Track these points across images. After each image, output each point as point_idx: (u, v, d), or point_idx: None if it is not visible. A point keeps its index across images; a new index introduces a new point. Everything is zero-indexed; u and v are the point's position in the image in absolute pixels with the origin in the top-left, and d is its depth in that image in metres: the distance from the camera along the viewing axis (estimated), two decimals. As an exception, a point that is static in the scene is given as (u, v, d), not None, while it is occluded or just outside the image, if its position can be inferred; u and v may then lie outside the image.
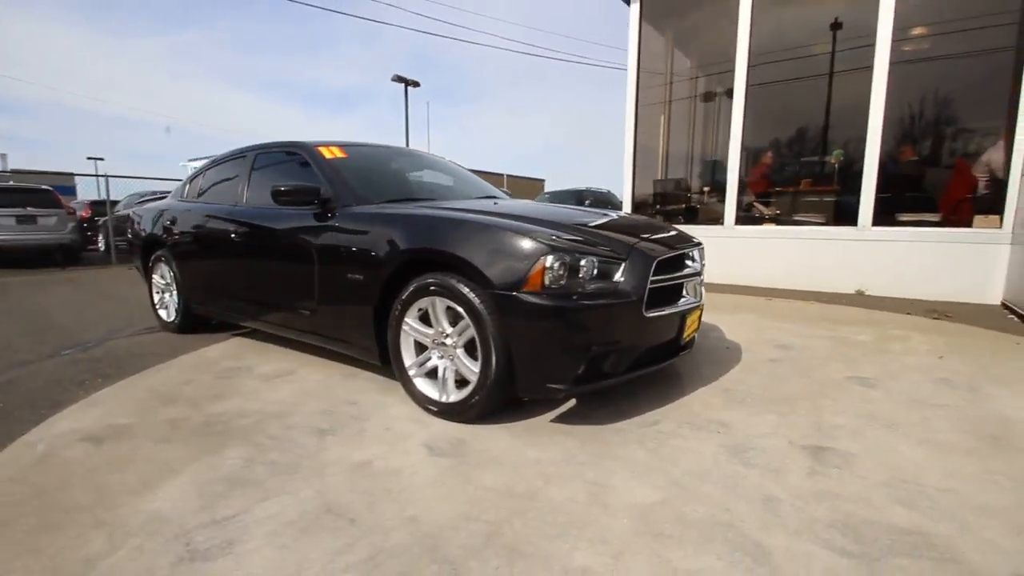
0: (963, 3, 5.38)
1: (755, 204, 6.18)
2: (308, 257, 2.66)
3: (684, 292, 2.39)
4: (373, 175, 3.01)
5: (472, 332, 2.08)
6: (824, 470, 1.77)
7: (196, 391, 2.63)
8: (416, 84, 20.75)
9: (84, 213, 11.02)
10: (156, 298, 3.99)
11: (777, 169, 6.48)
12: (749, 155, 6.06)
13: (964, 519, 1.49)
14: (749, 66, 5.54)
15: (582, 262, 1.96)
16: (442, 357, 2.26)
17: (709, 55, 7.47)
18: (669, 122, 7.34)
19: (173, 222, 3.64)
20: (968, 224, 4.69)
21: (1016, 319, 3.96)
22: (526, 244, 1.97)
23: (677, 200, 7.13)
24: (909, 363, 2.94)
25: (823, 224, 5.52)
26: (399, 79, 20.27)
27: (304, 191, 2.60)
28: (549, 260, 1.92)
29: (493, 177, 31.81)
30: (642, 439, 2.02)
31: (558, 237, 2.03)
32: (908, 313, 4.19)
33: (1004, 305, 4.39)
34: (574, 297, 1.93)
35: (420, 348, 2.33)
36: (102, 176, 10.21)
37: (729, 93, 5.81)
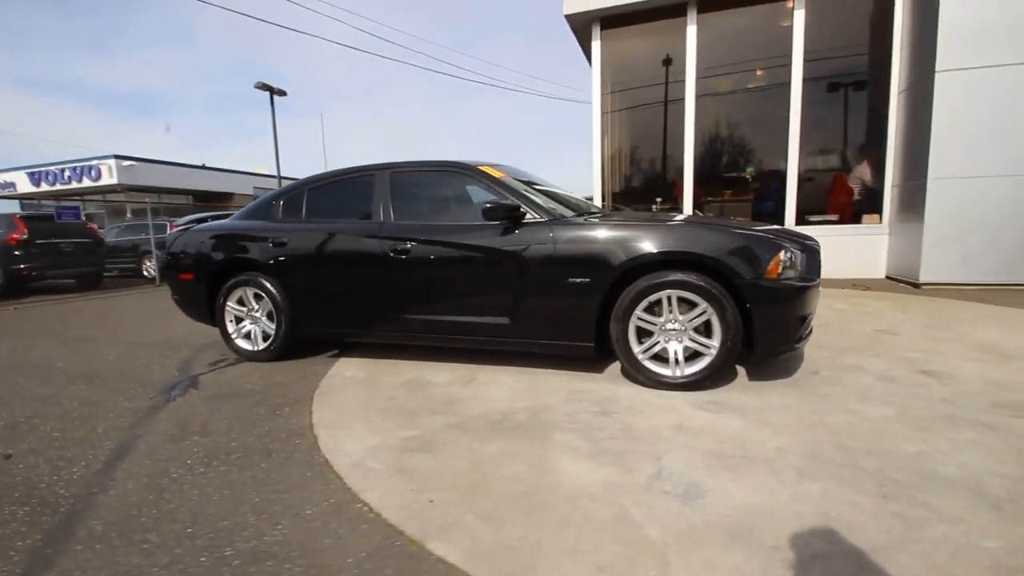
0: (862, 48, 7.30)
1: (696, 212, 7.51)
2: (510, 267, 2.92)
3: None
4: (535, 190, 3.33)
5: (708, 315, 2.64)
6: (940, 380, 2.72)
7: (415, 403, 2.72)
8: (282, 93, 19.35)
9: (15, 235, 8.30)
10: (231, 328, 3.67)
11: (701, 183, 7.91)
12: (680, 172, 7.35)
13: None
14: (696, 98, 6.80)
15: (793, 255, 2.66)
16: (668, 340, 2.77)
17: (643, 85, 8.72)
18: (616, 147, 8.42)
19: (278, 243, 3.45)
20: (859, 222, 6.47)
21: (904, 285, 5.69)
22: (765, 244, 2.61)
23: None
24: (894, 318, 4.20)
25: (753, 225, 7.01)
26: (264, 87, 18.74)
27: (509, 207, 2.88)
28: (782, 255, 2.59)
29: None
30: (827, 381, 2.78)
31: (778, 238, 2.70)
32: (843, 288, 5.71)
33: (888, 277, 6.22)
34: (796, 281, 2.62)
35: (641, 335, 2.80)
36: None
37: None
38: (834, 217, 6.73)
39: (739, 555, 1.45)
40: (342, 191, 3.51)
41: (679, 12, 6.65)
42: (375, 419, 2.54)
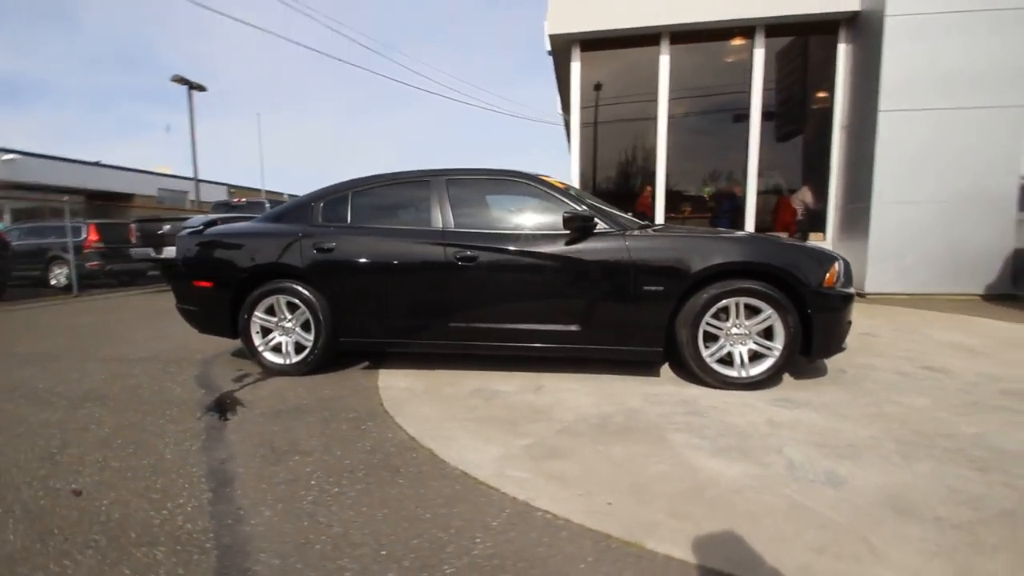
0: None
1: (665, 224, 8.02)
2: (583, 275, 3.00)
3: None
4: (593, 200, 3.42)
5: (771, 321, 2.89)
6: (944, 374, 3.18)
7: (500, 413, 2.69)
8: (201, 88, 17.91)
9: None
10: (258, 340, 3.38)
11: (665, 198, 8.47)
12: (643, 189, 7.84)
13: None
14: (668, 119, 7.29)
15: (841, 265, 2.99)
16: (734, 344, 2.98)
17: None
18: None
19: (323, 248, 3.23)
20: (805, 239, 7.25)
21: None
22: (823, 256, 2.91)
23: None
24: (866, 324, 4.78)
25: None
26: (181, 80, 17.25)
27: (586, 217, 2.97)
28: (837, 265, 2.90)
29: (250, 192, 29.06)
30: (858, 379, 3.14)
31: (825, 251, 3.01)
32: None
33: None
34: (846, 288, 2.95)
35: (707, 339, 2.99)
36: None
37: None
38: (783, 235, 7.50)
39: (916, 528, 1.64)
40: (392, 196, 3.39)
41: (653, 42, 7.13)
42: (474, 429, 2.48)
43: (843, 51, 6.77)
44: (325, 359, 3.36)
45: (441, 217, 3.22)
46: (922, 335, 4.31)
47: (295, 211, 3.46)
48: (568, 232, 3.04)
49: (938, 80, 5.79)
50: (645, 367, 3.38)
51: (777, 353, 2.91)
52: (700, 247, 2.97)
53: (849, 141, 6.74)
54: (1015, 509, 1.73)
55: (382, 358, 3.71)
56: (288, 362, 3.36)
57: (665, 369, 3.37)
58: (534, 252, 3.07)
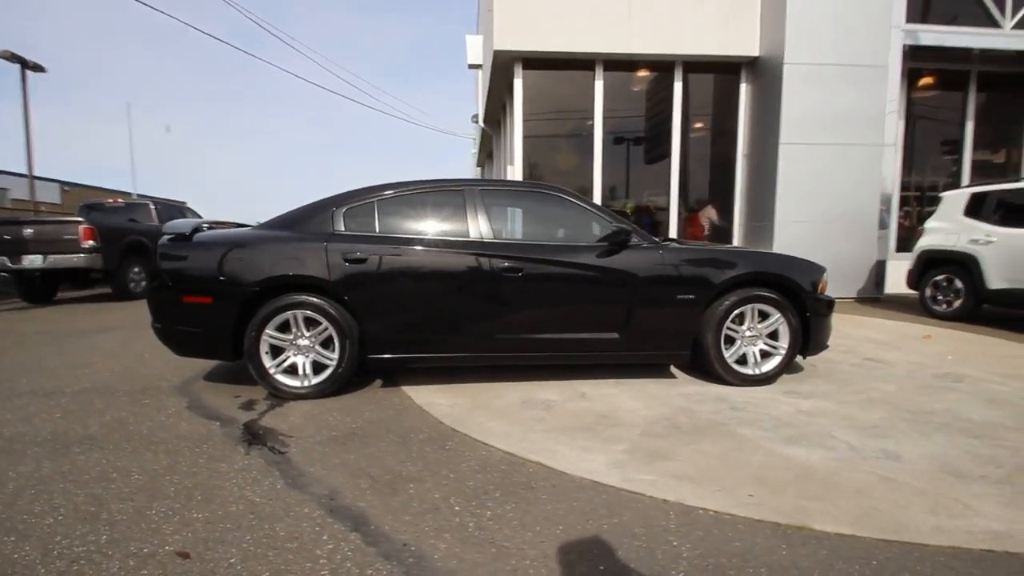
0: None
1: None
2: (624, 285, 3.16)
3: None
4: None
5: (777, 324, 3.32)
6: (886, 364, 3.92)
7: (569, 422, 2.74)
8: (39, 68, 14.92)
9: None
10: (268, 361, 2.98)
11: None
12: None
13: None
14: (603, 136, 7.81)
15: (825, 274, 3.52)
16: (747, 345, 3.36)
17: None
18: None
19: (353, 259, 2.96)
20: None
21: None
22: (816, 267, 3.40)
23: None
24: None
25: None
26: (13, 57, 14.19)
27: (627, 231, 3.15)
28: (825, 275, 3.41)
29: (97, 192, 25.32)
30: (831, 372, 3.71)
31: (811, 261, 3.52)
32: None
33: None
34: (830, 294, 3.48)
35: (726, 341, 3.32)
36: None
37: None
38: (699, 247, 8.42)
39: (976, 485, 2.05)
40: (422, 205, 3.23)
41: (589, 67, 7.61)
42: (563, 439, 2.49)
43: (744, 90, 7.87)
44: (348, 379, 3.08)
45: (479, 228, 3.17)
46: (840, 333, 5.16)
47: (310, 218, 3.13)
48: (604, 244, 3.19)
49: (823, 119, 7.02)
50: (657, 370, 3.64)
51: (783, 352, 3.35)
52: (723, 259, 3.31)
53: (751, 168, 7.84)
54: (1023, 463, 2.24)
55: (395, 376, 3.49)
56: (306, 384, 3.02)
57: (674, 370, 3.66)
58: (577, 263, 3.17)
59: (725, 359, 3.30)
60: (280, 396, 3.02)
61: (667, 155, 8.08)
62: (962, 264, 5.66)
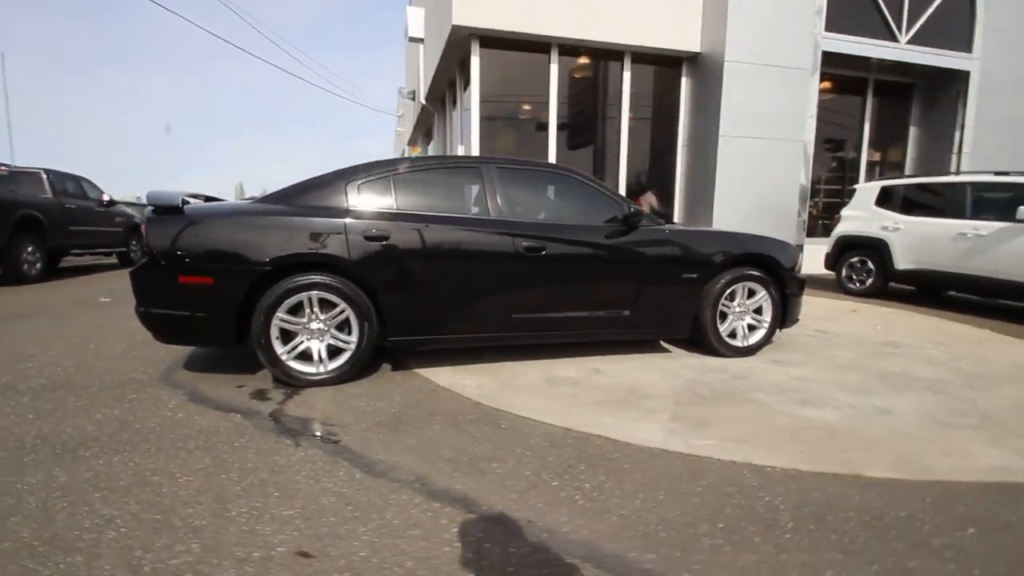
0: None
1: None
2: (635, 264, 3.29)
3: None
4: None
5: (763, 300, 3.64)
6: (835, 336, 4.45)
7: (600, 396, 2.83)
8: None
9: None
10: (280, 348, 2.75)
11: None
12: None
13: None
14: (557, 122, 7.89)
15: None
16: (736, 320, 3.64)
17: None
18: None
19: (374, 236, 2.78)
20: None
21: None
22: (791, 247, 3.74)
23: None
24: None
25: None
26: None
27: (640, 212, 3.27)
28: (801, 254, 3.78)
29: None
30: (795, 343, 4.14)
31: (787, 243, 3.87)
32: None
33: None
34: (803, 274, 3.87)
35: (721, 316, 3.58)
36: None
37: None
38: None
39: (966, 431, 2.43)
40: (438, 181, 3.10)
41: (545, 50, 7.64)
42: (609, 412, 2.57)
43: (685, 83, 8.34)
44: (366, 363, 2.93)
45: (498, 206, 3.12)
46: (782, 309, 5.75)
47: (319, 193, 2.88)
48: (618, 225, 3.29)
49: (758, 115, 7.64)
50: (651, 345, 3.84)
51: (767, 325, 3.68)
52: (720, 240, 3.55)
53: (691, 156, 8.36)
54: (987, 411, 2.69)
55: (401, 359, 3.36)
56: (322, 369, 2.82)
57: (665, 345, 3.88)
58: (596, 243, 3.24)
59: (720, 333, 3.56)
60: (293, 384, 2.80)
61: (592, 142, 8.40)
62: (874, 248, 6.50)
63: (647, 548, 1.51)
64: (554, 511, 1.69)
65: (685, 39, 7.93)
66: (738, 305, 3.63)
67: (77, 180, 8.24)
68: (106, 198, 8.48)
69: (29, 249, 6.71)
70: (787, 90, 7.73)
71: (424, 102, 10.60)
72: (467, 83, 7.68)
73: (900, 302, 6.29)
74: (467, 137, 7.64)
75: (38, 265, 6.86)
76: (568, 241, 3.19)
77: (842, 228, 6.99)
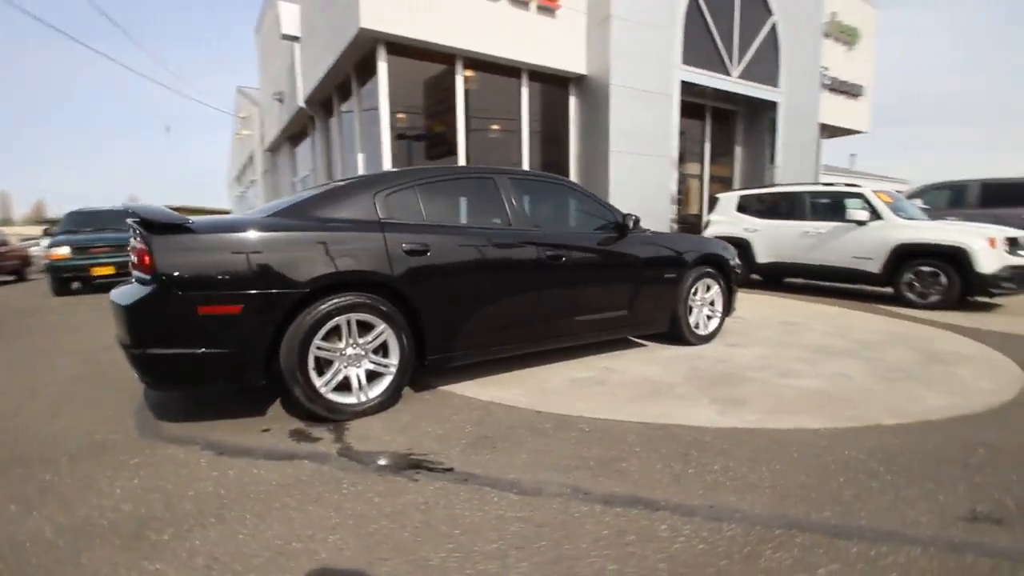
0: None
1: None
2: (630, 268, 3.58)
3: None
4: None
5: (716, 294, 4.23)
6: (753, 319, 5.32)
7: (635, 392, 3.05)
8: None
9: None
10: (318, 380, 2.41)
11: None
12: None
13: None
14: (466, 132, 7.94)
15: (729, 255, 4.56)
16: (697, 312, 4.16)
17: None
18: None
19: (414, 251, 2.57)
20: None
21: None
22: (732, 248, 4.38)
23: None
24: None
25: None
26: None
27: (634, 219, 3.57)
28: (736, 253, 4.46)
29: None
30: (734, 329, 4.86)
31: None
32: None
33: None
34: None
35: (689, 310, 4.06)
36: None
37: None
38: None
39: (902, 384, 3.17)
40: (457, 191, 3.01)
41: (450, 62, 7.66)
42: (648, 403, 2.79)
43: (572, 102, 9.06)
44: (404, 386, 2.73)
45: (516, 216, 3.14)
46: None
47: (346, 204, 2.60)
48: (615, 232, 3.56)
49: (636, 132, 8.64)
50: (625, 342, 4.18)
51: (719, 315, 4.27)
52: (688, 243, 4.03)
53: (583, 169, 9.10)
54: (899, 367, 3.52)
55: (421, 378, 3.17)
56: (364, 399, 2.54)
57: (637, 340, 4.26)
58: (603, 250, 3.45)
59: (691, 326, 4.05)
60: (333, 419, 2.49)
61: (452, 152, 8.74)
62: (740, 246, 7.81)
63: (815, 508, 1.75)
64: (717, 495, 1.84)
65: (572, 62, 8.63)
66: (699, 299, 4.16)
67: None
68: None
69: None
70: (661, 112, 8.89)
71: (303, 105, 9.74)
72: (363, 88, 7.34)
73: (747, 288, 7.66)
74: (380, 146, 7.31)
75: None
76: (582, 248, 3.35)
77: (713, 230, 8.25)
